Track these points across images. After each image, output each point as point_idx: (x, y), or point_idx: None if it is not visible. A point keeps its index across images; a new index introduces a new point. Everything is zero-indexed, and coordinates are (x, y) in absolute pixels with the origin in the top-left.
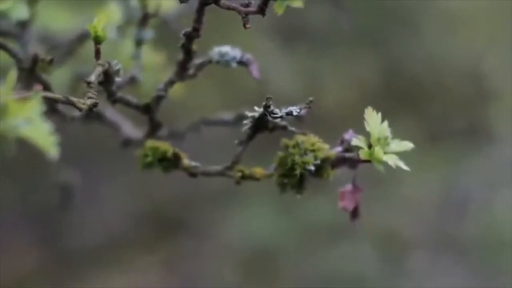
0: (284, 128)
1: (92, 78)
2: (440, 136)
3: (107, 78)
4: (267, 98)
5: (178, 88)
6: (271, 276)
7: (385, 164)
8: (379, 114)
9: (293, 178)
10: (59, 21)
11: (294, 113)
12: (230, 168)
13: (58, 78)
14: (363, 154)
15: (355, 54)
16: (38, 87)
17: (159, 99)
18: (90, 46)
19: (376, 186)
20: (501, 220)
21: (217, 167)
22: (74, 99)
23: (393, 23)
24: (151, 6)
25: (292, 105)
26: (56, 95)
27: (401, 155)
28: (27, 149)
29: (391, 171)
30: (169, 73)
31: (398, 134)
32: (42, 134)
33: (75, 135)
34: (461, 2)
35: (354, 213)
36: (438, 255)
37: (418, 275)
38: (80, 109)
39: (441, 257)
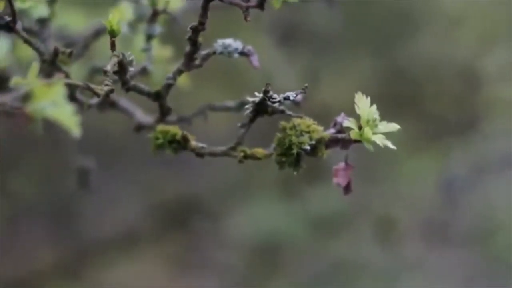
0: (282, 112)
1: (108, 67)
2: (436, 131)
3: (121, 68)
4: (266, 84)
5: (186, 80)
6: (278, 267)
7: (374, 143)
8: (368, 98)
9: (290, 157)
10: (75, 21)
11: (291, 98)
12: (233, 148)
13: (74, 71)
14: (353, 135)
15: (354, 53)
16: (60, 75)
17: (168, 86)
18: (103, 43)
19: (376, 180)
20: (492, 208)
21: (222, 148)
22: (93, 85)
23: (391, 23)
24: (160, 4)
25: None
26: (77, 82)
27: (402, 151)
28: (43, 144)
29: (391, 166)
30: (177, 65)
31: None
32: (66, 115)
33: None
34: (459, 2)
35: (347, 188)
36: (436, 243)
37: (418, 263)
38: (98, 95)
39: (439, 246)
